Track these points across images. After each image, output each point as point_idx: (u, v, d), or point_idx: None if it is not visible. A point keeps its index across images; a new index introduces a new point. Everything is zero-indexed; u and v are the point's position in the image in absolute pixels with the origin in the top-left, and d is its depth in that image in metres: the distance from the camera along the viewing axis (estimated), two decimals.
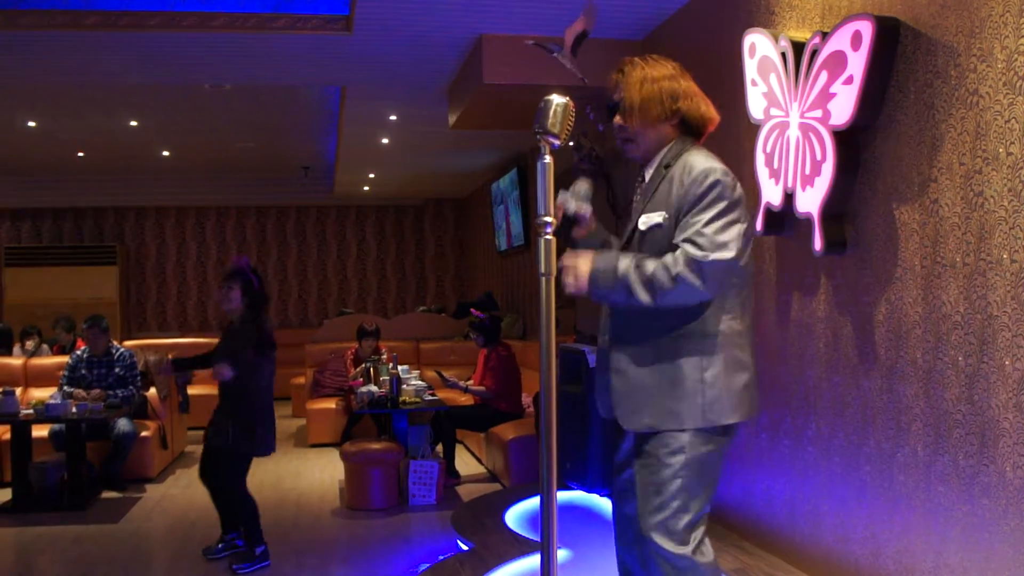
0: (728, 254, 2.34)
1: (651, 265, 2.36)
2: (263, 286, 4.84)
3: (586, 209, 2.52)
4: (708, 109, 2.57)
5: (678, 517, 2.40)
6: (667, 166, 2.51)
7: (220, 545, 4.77)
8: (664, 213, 2.44)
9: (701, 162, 2.44)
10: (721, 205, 2.37)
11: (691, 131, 2.56)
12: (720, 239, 2.34)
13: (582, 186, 2.52)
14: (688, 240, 2.36)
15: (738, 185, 2.46)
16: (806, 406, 3.87)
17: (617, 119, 2.57)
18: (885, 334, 3.34)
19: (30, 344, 8.52)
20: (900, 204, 3.26)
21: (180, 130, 9.22)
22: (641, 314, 2.44)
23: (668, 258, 2.36)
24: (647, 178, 2.58)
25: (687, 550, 2.39)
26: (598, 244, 2.60)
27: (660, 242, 2.44)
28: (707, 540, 2.47)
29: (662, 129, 2.53)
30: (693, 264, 2.32)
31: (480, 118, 6.57)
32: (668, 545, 2.38)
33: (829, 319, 3.71)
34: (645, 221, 2.49)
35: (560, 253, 2.34)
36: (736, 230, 2.37)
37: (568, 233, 2.52)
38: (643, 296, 2.35)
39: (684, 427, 2.41)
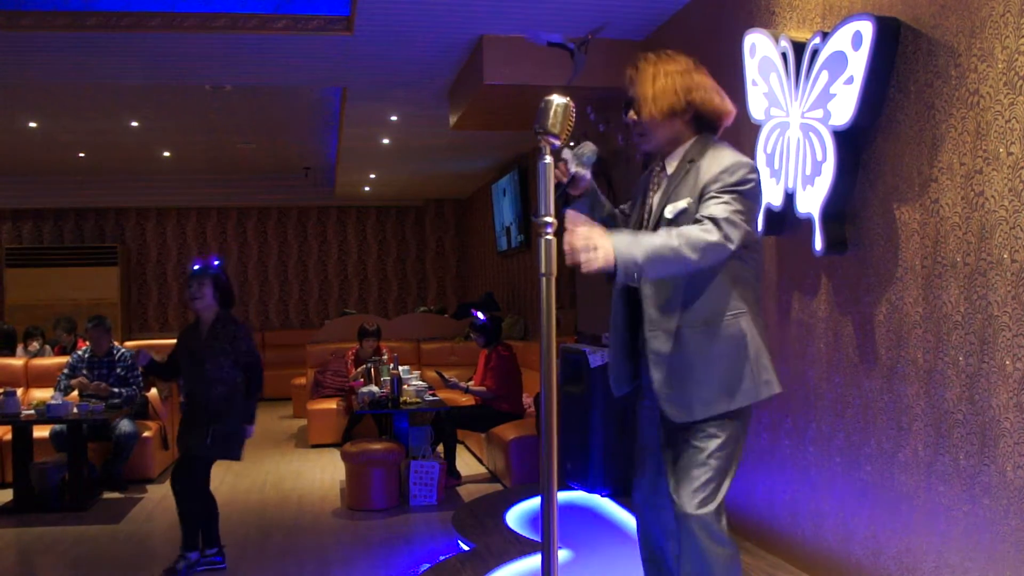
0: (730, 247, 2.39)
1: (671, 237, 2.35)
2: (230, 281, 4.74)
3: (583, 173, 2.55)
4: (723, 102, 2.59)
5: (716, 493, 2.51)
6: (691, 160, 2.54)
7: (182, 564, 4.51)
8: (689, 199, 2.48)
9: (731, 156, 2.51)
10: (741, 200, 2.44)
11: (705, 125, 2.59)
12: (733, 231, 2.39)
13: (586, 148, 2.53)
14: (710, 217, 2.39)
15: (760, 185, 2.54)
16: (807, 406, 3.87)
17: (631, 114, 2.61)
18: (886, 334, 3.34)
19: (34, 345, 8.51)
20: (901, 204, 3.26)
21: (181, 131, 9.22)
22: (671, 302, 2.48)
23: (687, 235, 2.35)
24: (669, 171, 2.60)
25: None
26: (588, 206, 2.63)
27: (685, 225, 2.46)
28: None
29: (675, 123, 2.57)
30: (709, 244, 2.35)
31: (481, 119, 6.58)
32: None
33: (830, 319, 3.71)
34: (672, 209, 2.52)
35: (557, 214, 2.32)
36: (744, 231, 2.43)
37: (563, 190, 2.54)
38: (663, 270, 2.35)
39: (741, 406, 2.52)
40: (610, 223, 2.71)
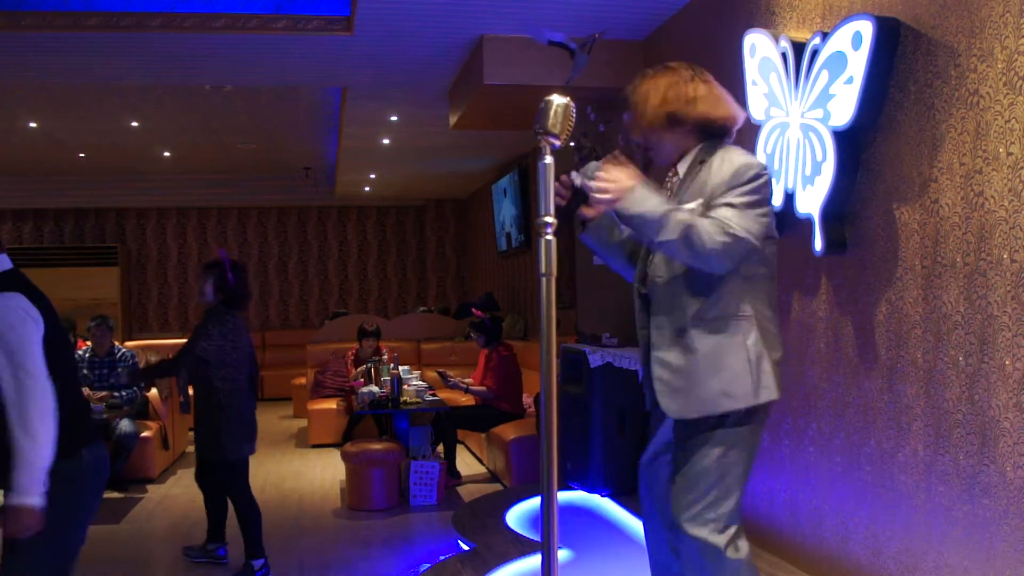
0: (753, 240, 2.35)
1: (695, 217, 2.32)
2: (243, 283, 4.61)
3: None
4: (721, 110, 2.52)
5: (716, 506, 2.45)
6: (702, 161, 2.50)
7: (199, 552, 4.72)
8: (700, 199, 2.43)
9: (741, 157, 2.45)
10: (756, 197, 2.39)
11: (711, 132, 2.52)
12: (752, 225, 2.36)
13: (594, 165, 2.47)
14: (723, 215, 2.35)
15: (772, 183, 2.48)
16: (807, 406, 3.87)
17: (633, 131, 2.59)
18: (886, 334, 3.35)
19: None
20: (900, 204, 3.26)
21: (181, 131, 9.22)
22: (678, 302, 2.44)
23: (708, 221, 2.32)
24: (681, 174, 2.56)
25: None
26: (606, 231, 2.62)
27: None
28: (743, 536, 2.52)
29: (676, 134, 2.53)
30: (731, 236, 2.31)
31: (481, 119, 6.58)
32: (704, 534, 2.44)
33: (830, 319, 3.71)
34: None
35: (563, 235, 2.30)
36: (763, 224, 2.41)
37: (574, 209, 2.48)
38: (671, 236, 2.30)
39: (738, 407, 2.41)
40: (627, 247, 2.69)
